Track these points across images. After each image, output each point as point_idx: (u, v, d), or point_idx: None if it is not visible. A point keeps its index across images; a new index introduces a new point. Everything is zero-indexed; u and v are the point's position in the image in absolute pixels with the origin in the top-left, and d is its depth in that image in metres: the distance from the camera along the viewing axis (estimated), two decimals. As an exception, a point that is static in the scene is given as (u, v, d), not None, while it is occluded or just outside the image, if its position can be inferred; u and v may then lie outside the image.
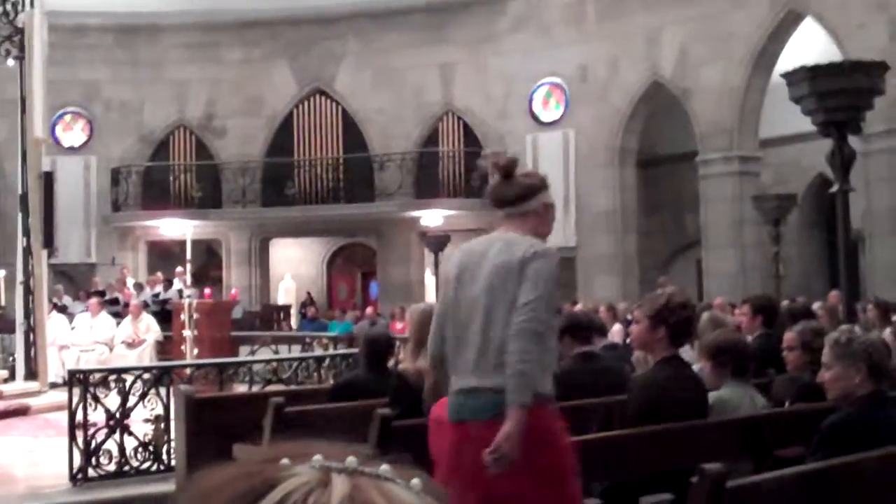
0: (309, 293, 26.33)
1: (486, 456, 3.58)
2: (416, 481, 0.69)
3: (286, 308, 24.93)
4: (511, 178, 4.14)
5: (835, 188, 7.57)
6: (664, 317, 4.94)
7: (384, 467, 0.69)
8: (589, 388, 5.99)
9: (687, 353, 6.09)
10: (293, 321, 24.27)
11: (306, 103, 25.00)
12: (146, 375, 8.94)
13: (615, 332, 14.13)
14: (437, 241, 21.77)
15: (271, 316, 23.54)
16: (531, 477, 3.69)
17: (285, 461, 0.68)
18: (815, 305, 13.01)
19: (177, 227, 23.35)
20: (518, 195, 4.10)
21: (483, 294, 3.91)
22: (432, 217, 23.38)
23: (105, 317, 16.34)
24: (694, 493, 3.27)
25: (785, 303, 12.47)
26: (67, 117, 24.93)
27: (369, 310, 21.52)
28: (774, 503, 3.61)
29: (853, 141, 8.51)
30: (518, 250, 3.90)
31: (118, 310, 17.86)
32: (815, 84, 7.31)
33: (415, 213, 23.61)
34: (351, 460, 0.69)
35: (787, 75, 7.77)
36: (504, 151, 4.51)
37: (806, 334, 5.82)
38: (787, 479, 3.64)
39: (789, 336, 6.10)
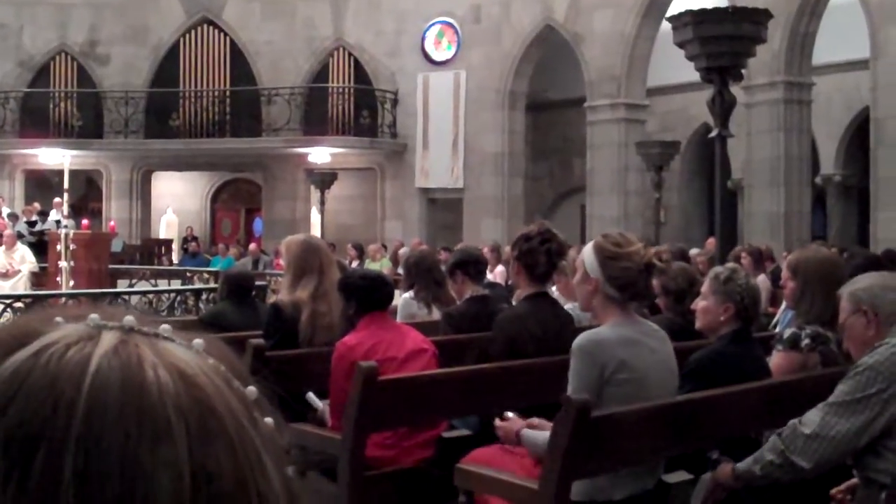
0: (191, 228, 25.88)
1: None
2: (198, 341, 0.64)
3: (168, 243, 24.47)
4: None
5: (714, 133, 7.69)
6: (516, 252, 5.01)
7: (164, 327, 0.64)
8: (482, 331, 5.97)
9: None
10: (175, 256, 23.84)
11: (193, 33, 24.35)
12: (17, 304, 8.70)
13: (498, 273, 14.26)
14: (324, 179, 21.57)
15: (152, 250, 23.11)
16: None
17: (59, 319, 0.63)
18: (693, 252, 13.33)
19: (56, 157, 22.63)
20: None
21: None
22: (320, 154, 23.12)
23: (-23, 247, 15.78)
24: (559, 421, 3.29)
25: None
26: (-59, 38, 23.90)
27: (253, 246, 21.25)
28: (639, 433, 3.66)
29: (737, 92, 8.65)
30: None
31: (-8, 240, 17.27)
32: (699, 29, 7.39)
33: (302, 150, 23.29)
34: (128, 319, 0.64)
35: (672, 19, 7.83)
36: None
37: (665, 280, 5.85)
38: (652, 410, 3.70)
39: (655, 282, 6.19)
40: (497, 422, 4.07)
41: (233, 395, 0.62)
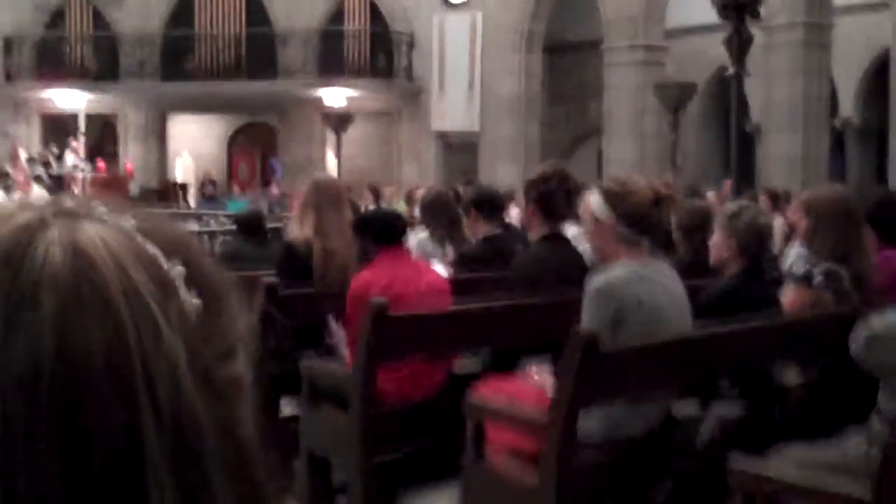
0: (209, 171, 25.86)
1: None
2: (130, 221, 0.63)
3: (185, 186, 24.51)
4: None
5: (730, 72, 7.63)
6: (529, 194, 5.00)
7: (100, 209, 0.64)
8: (495, 271, 5.97)
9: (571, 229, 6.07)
10: (192, 199, 23.89)
11: (208, -25, 24.23)
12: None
13: (513, 216, 14.24)
14: (340, 121, 21.51)
15: (170, 193, 23.16)
16: None
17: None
18: (710, 194, 13.27)
19: (72, 100, 22.65)
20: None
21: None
22: (335, 97, 23.04)
23: (-6, 189, 15.88)
24: (568, 350, 3.30)
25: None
26: (-45, -19, 23.82)
27: (275, 190, 21.29)
28: (648, 366, 3.68)
29: (756, 34, 8.55)
30: None
31: (9, 183, 17.37)
32: (716, -34, 7.31)
33: (318, 93, 23.22)
34: (66, 203, 0.64)
35: (689, -44, 7.73)
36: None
37: (681, 215, 5.88)
38: (660, 344, 3.71)
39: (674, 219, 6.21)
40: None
41: (140, 272, 0.60)
